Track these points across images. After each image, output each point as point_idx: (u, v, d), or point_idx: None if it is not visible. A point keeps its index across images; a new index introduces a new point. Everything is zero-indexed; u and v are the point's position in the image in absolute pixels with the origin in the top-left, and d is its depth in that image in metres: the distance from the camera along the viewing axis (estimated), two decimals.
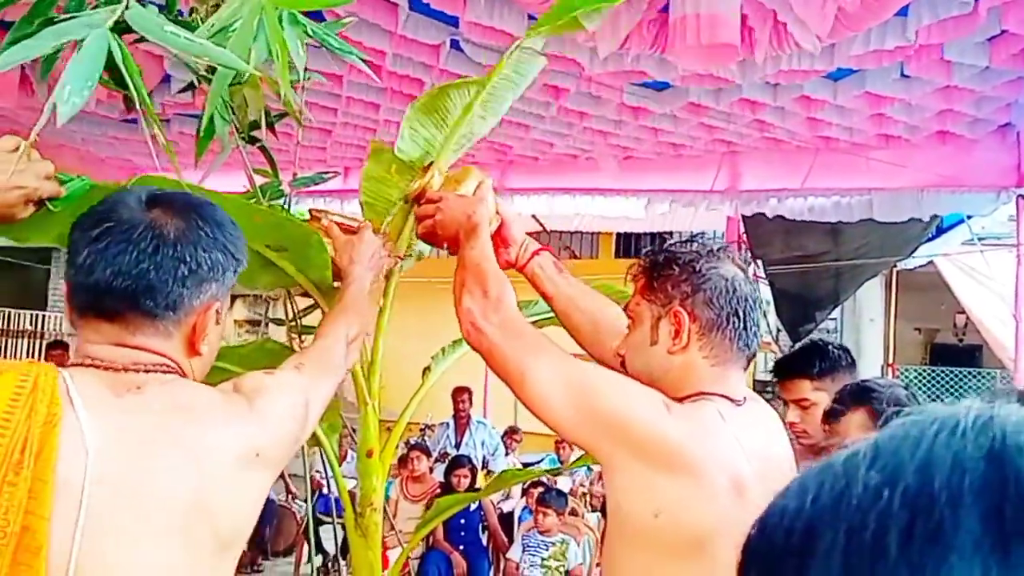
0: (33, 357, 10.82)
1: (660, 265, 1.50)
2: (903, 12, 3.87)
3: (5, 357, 10.68)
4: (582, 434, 1.41)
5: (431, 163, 1.89)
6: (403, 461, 6.16)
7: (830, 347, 2.39)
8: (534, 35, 1.82)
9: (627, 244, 12.70)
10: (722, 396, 1.44)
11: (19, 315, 11.26)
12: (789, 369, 2.36)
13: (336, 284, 1.83)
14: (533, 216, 7.97)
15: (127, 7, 1.22)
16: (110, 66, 1.60)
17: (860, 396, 1.98)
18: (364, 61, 1.64)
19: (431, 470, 6.34)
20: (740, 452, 1.37)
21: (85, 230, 1.16)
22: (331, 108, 5.86)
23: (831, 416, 2.02)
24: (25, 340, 11.18)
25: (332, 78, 4.96)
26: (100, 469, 1.04)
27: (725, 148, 6.68)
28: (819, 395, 2.26)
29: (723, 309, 1.45)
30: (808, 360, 2.32)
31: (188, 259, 1.17)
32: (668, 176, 7.12)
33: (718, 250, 1.51)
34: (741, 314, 1.46)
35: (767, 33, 4.00)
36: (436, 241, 1.83)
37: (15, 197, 1.23)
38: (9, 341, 11.00)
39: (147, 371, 1.16)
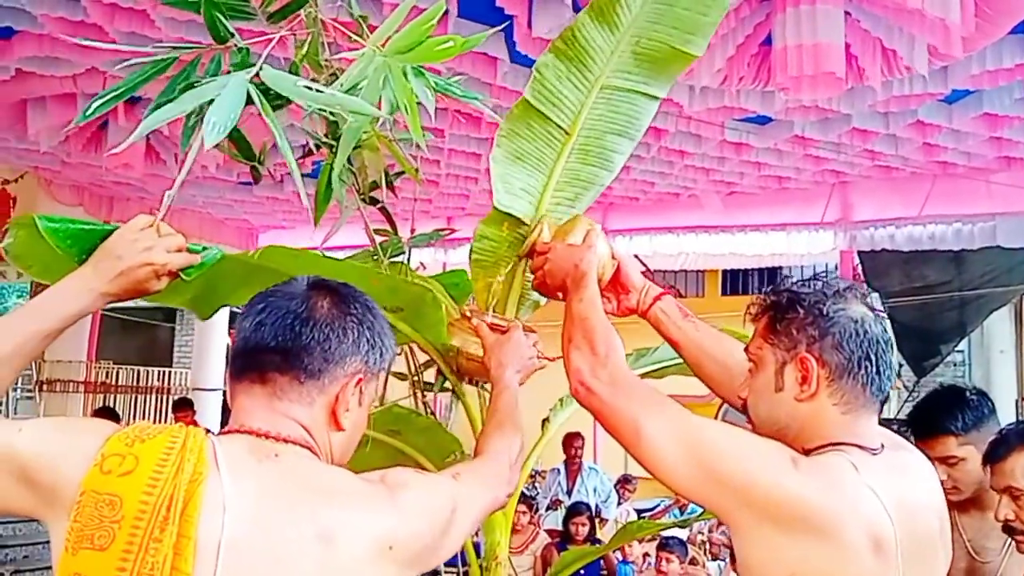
0: (160, 412, 11.41)
1: (783, 307, 1.40)
2: (1019, 29, 3.72)
3: (134, 412, 11.28)
4: (703, 494, 1.33)
5: (542, 218, 1.90)
6: None
7: (968, 395, 2.22)
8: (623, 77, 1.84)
9: (734, 281, 12.44)
10: (855, 446, 1.33)
11: (147, 372, 11.92)
12: (932, 427, 2.20)
13: (453, 343, 1.85)
14: (635, 256, 7.92)
15: (260, 68, 1.28)
16: (233, 137, 1.68)
17: None
18: (463, 114, 1.66)
19: (532, 519, 6.17)
20: (878, 505, 1.27)
21: (252, 304, 1.25)
22: (435, 160, 6.01)
23: (994, 457, 1.89)
24: (153, 396, 11.79)
25: (435, 132, 5.10)
26: (235, 531, 1.06)
27: (835, 179, 6.51)
28: (966, 449, 2.09)
29: (854, 353, 1.35)
30: (951, 415, 2.15)
31: (337, 328, 1.22)
32: (775, 210, 6.99)
33: (844, 289, 1.41)
34: (873, 357, 1.36)
35: (876, 59, 3.90)
36: (548, 292, 1.81)
37: (144, 274, 1.30)
38: (138, 397, 11.60)
39: (285, 441, 1.18)
